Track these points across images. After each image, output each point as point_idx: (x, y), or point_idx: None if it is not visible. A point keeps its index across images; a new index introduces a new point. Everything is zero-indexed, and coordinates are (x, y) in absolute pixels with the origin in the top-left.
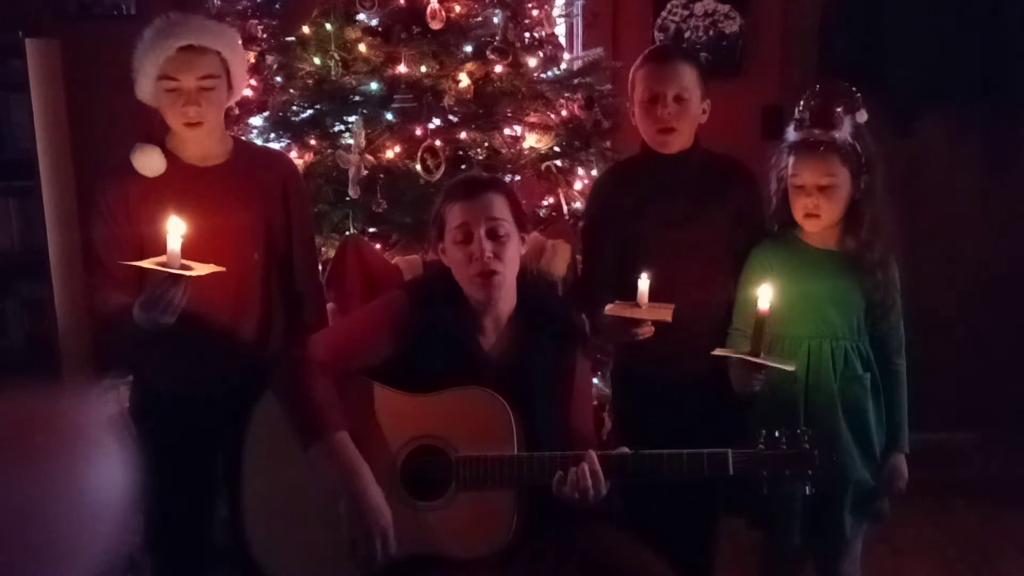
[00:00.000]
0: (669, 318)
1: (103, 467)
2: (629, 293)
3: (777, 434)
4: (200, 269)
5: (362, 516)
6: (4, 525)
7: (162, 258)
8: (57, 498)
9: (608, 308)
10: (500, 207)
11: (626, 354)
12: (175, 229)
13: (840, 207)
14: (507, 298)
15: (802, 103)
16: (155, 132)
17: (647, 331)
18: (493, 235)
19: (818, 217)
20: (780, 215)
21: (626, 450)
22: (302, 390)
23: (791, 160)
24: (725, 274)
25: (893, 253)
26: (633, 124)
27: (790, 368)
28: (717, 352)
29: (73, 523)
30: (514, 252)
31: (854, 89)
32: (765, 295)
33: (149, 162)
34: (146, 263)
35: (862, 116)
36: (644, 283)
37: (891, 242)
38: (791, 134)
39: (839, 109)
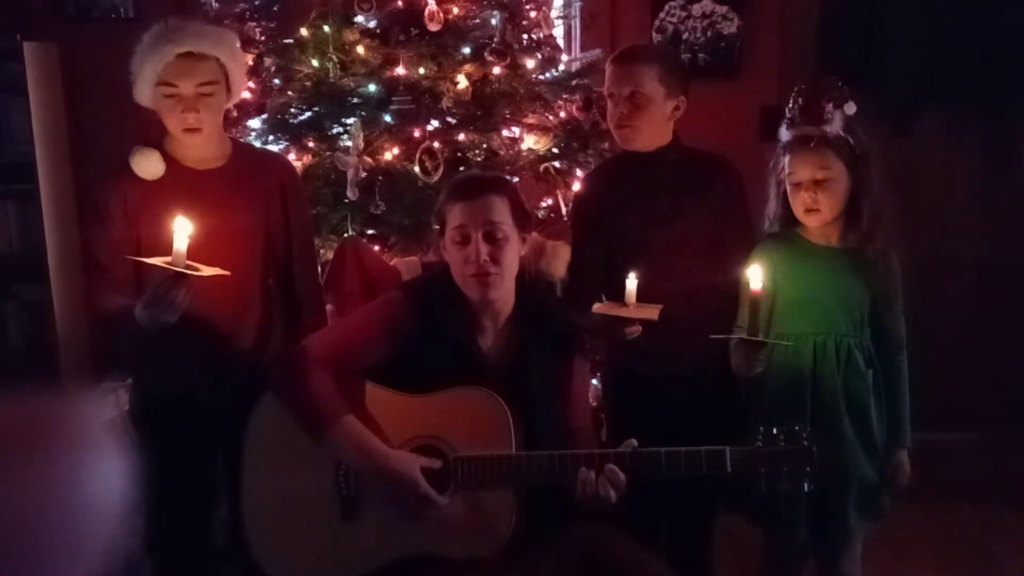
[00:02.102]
0: (656, 317)
1: (102, 469)
2: (616, 290)
3: (775, 431)
4: (205, 271)
5: (394, 482)
6: (3, 528)
7: (167, 257)
8: (56, 500)
9: (596, 307)
10: (499, 210)
11: (615, 351)
12: (181, 229)
13: (839, 201)
14: (506, 298)
15: (791, 102)
16: (153, 135)
17: (635, 330)
18: (490, 238)
19: (819, 211)
20: (781, 217)
21: (635, 442)
22: (302, 385)
23: (786, 159)
24: (711, 269)
25: (893, 245)
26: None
27: (790, 344)
28: (715, 337)
29: (72, 526)
30: (512, 255)
31: (840, 83)
32: (756, 275)
33: (147, 165)
34: (152, 260)
35: (851, 108)
36: (632, 283)
37: (891, 233)
38: (784, 134)
39: (828, 104)
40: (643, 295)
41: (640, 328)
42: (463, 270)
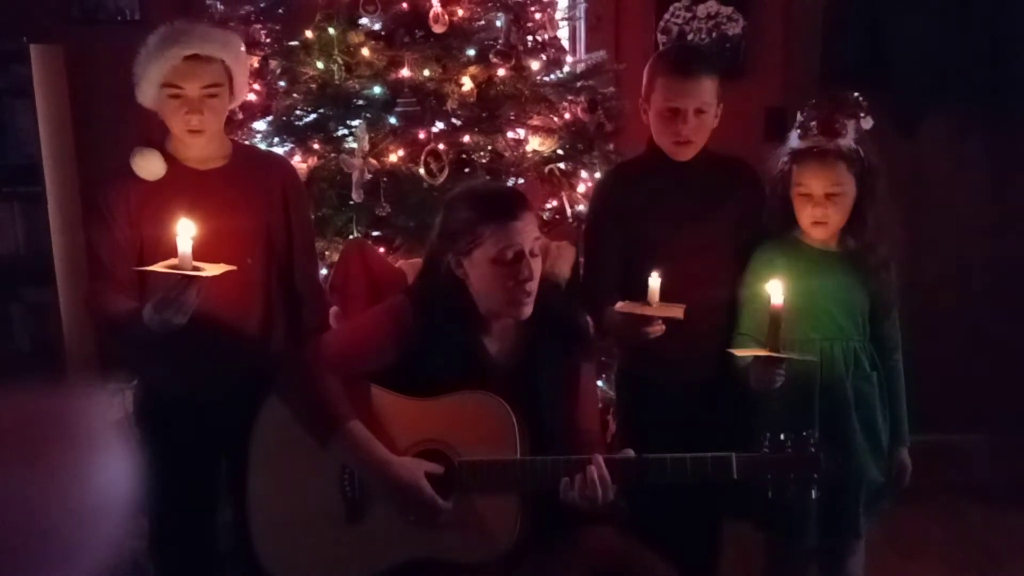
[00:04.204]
0: (681, 315)
1: (108, 471)
2: (633, 294)
3: (782, 437)
4: (212, 269)
5: (398, 489)
6: (7, 527)
7: (173, 261)
8: (61, 501)
9: (619, 306)
10: (537, 225)
11: (631, 357)
12: (185, 231)
13: (847, 213)
14: None
15: (807, 111)
16: (155, 135)
17: (658, 329)
18: (534, 253)
19: (826, 224)
20: (779, 219)
21: (631, 452)
22: (310, 389)
23: (795, 168)
24: (730, 275)
25: (895, 254)
26: (644, 123)
27: (813, 359)
28: (737, 352)
29: (76, 526)
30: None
31: (859, 96)
32: (776, 290)
33: (149, 165)
34: (158, 267)
35: (867, 123)
36: (655, 281)
37: (894, 242)
38: (794, 141)
39: (843, 117)
40: (662, 299)
41: (663, 328)
42: (513, 290)
